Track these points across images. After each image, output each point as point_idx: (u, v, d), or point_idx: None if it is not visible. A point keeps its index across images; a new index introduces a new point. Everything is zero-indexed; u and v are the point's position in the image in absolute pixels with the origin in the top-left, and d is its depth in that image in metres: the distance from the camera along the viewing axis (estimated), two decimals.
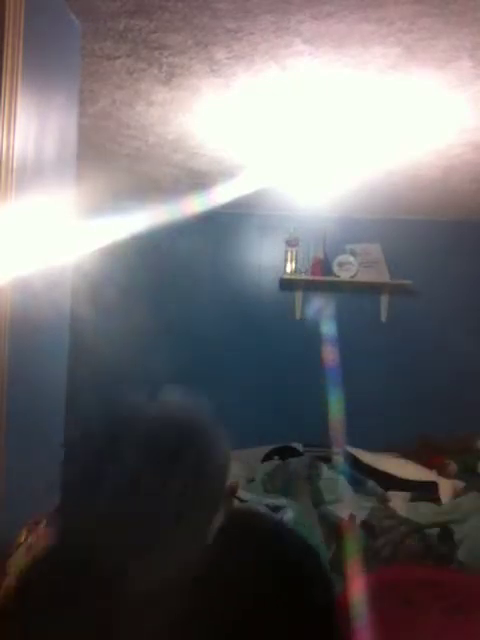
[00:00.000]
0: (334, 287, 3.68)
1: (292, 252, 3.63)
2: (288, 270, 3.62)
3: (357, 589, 1.78)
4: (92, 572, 0.79)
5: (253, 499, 2.60)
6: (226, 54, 1.75)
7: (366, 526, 2.41)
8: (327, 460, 3.03)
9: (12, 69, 1.02)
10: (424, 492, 2.83)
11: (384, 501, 2.72)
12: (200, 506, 0.82)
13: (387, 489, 2.85)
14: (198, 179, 3.05)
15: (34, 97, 1.16)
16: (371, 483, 2.89)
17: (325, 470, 2.92)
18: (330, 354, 3.33)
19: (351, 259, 3.65)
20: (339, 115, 2.18)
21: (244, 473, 2.97)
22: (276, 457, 3.16)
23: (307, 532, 2.36)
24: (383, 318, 3.77)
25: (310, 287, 3.70)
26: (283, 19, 1.55)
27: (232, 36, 1.64)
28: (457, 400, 3.57)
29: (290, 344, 3.63)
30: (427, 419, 3.49)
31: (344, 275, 3.63)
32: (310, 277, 3.63)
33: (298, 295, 3.74)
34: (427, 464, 3.17)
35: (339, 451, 3.03)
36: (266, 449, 3.20)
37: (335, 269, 3.63)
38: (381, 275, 3.69)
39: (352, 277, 3.64)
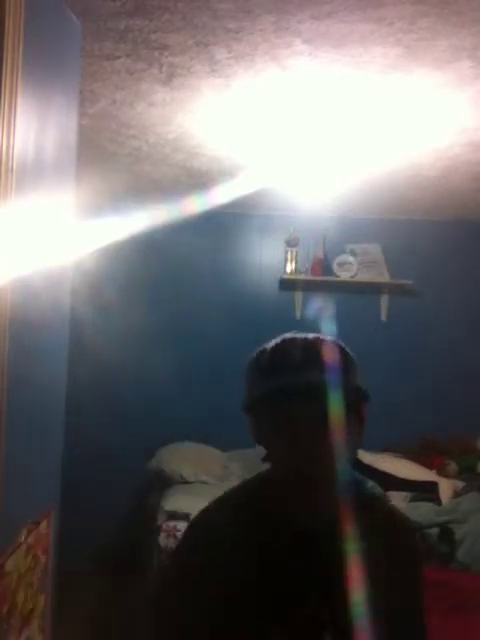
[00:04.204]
0: (334, 287, 3.68)
1: (292, 252, 3.63)
2: (288, 270, 3.62)
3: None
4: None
5: None
6: (226, 54, 1.75)
7: None
8: None
9: (12, 69, 1.02)
10: (424, 492, 2.83)
11: None
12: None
13: (387, 489, 2.85)
14: (198, 179, 3.05)
15: (34, 97, 1.17)
16: (371, 483, 2.89)
17: None
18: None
19: (351, 259, 3.65)
20: (339, 115, 2.18)
21: (244, 473, 2.97)
22: None
23: None
24: (383, 318, 3.77)
25: (310, 287, 3.71)
26: (283, 19, 1.55)
27: (232, 36, 1.64)
28: (457, 400, 3.57)
29: None
30: (427, 419, 3.50)
31: (344, 275, 3.63)
32: (310, 277, 3.63)
33: (298, 295, 3.74)
34: (427, 464, 3.17)
35: None
36: None
37: (335, 269, 3.64)
38: (381, 275, 3.69)
39: (352, 277, 3.64)
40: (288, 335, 0.97)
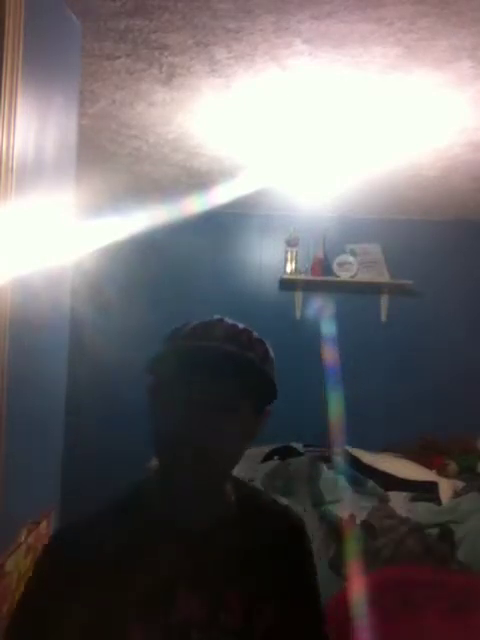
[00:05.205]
0: (334, 287, 3.68)
1: (292, 252, 3.63)
2: (288, 270, 3.62)
3: (357, 589, 1.78)
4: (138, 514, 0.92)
5: None
6: (226, 54, 1.75)
7: (366, 526, 2.41)
8: (327, 460, 3.03)
9: (12, 69, 1.02)
10: (424, 492, 2.83)
11: (384, 501, 2.72)
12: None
13: (387, 489, 2.85)
14: (198, 179, 3.05)
15: (34, 97, 1.17)
16: (371, 483, 2.89)
17: (325, 470, 2.91)
18: (330, 354, 3.33)
19: (351, 259, 3.65)
20: (339, 115, 2.19)
21: (244, 473, 2.97)
22: (276, 457, 3.16)
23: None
24: (383, 318, 3.77)
25: (310, 287, 3.71)
26: (283, 19, 1.55)
27: (232, 36, 1.64)
28: (457, 400, 3.57)
29: (290, 344, 3.63)
30: (427, 419, 3.49)
31: (344, 275, 3.63)
32: (310, 277, 3.63)
33: (298, 295, 3.74)
34: (427, 464, 3.17)
35: (339, 451, 3.03)
36: (266, 449, 3.19)
37: (335, 269, 3.64)
38: (381, 275, 3.69)
39: (352, 277, 3.64)
40: (218, 316, 0.97)
